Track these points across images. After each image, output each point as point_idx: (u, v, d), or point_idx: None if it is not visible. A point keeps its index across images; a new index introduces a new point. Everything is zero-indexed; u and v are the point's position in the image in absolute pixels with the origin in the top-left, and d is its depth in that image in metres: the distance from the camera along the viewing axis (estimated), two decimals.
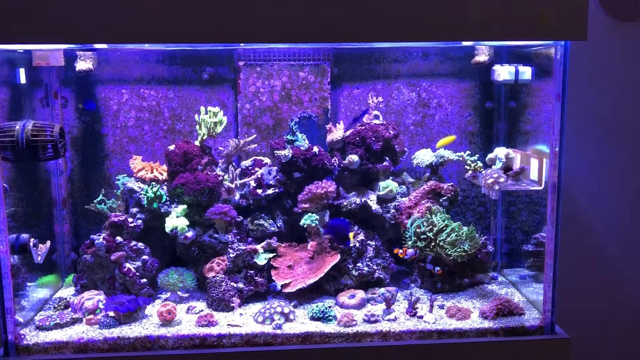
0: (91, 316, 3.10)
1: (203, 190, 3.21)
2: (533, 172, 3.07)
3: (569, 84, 2.68)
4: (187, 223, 3.17)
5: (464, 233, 3.13)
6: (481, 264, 3.43)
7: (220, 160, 3.59)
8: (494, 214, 3.96)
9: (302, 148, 3.36)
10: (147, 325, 2.91)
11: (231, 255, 3.18)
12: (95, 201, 3.34)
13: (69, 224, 3.79)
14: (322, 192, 3.20)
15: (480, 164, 3.29)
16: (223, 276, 3.13)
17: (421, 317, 2.99)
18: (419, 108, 3.65)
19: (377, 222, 3.42)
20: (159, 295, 3.43)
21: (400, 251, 3.15)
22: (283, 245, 3.33)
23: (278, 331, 2.80)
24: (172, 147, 3.34)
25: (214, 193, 3.23)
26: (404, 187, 3.52)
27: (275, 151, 3.29)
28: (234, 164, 3.47)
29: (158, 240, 3.30)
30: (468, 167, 3.47)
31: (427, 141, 3.85)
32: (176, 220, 3.19)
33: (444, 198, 3.43)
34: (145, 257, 3.26)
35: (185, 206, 3.20)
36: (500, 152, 3.29)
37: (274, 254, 3.23)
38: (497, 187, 3.28)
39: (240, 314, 3.02)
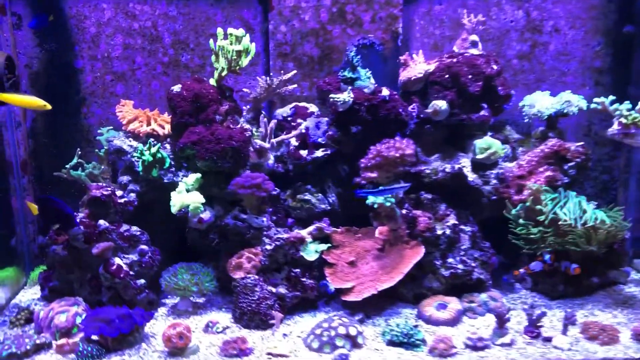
0: (64, 340, 2.31)
1: (225, 151, 2.58)
2: None
3: None
4: (202, 200, 2.57)
5: (610, 217, 2.54)
6: (617, 256, 2.76)
7: (245, 108, 2.95)
8: (624, 184, 3.16)
9: (365, 90, 2.75)
10: (149, 356, 2.26)
11: (267, 246, 2.59)
12: (68, 166, 2.80)
13: (32, 195, 3.06)
14: (396, 155, 2.57)
15: (637, 116, 2.59)
16: (256, 277, 2.53)
17: (548, 339, 2.37)
18: (526, 33, 3.10)
19: (471, 197, 2.83)
20: (163, 301, 2.71)
21: (522, 271, 2.65)
22: (339, 230, 2.75)
23: None
24: (177, 88, 2.68)
25: (240, 156, 2.61)
26: (507, 146, 2.90)
27: (327, 95, 2.68)
28: (264, 113, 2.91)
29: (160, 222, 2.71)
30: (624, 121, 2.48)
31: (535, 81, 3.15)
32: (186, 195, 2.56)
33: (570, 164, 2.76)
34: (142, 247, 2.63)
35: (198, 175, 2.61)
36: None
37: (328, 245, 2.65)
38: None
39: (285, 335, 2.43)
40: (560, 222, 2.55)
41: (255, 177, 2.62)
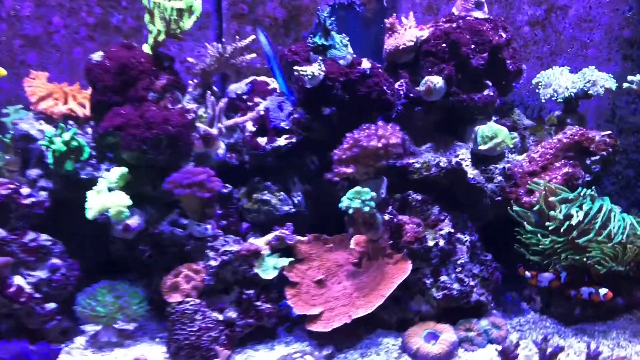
0: None
1: (158, 139, 2.20)
2: None
3: None
4: (128, 202, 2.18)
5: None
6: None
7: (191, 83, 2.50)
8: None
9: (341, 62, 2.35)
10: None
11: (212, 261, 2.18)
12: None
13: None
14: (378, 145, 2.20)
15: None
16: (197, 302, 2.14)
17: None
18: None
19: (471, 197, 2.46)
20: (82, 329, 2.29)
21: (528, 274, 2.32)
22: (306, 239, 2.38)
23: None
24: (97, 57, 2.35)
25: (178, 144, 2.24)
26: (515, 135, 2.59)
27: (292, 67, 2.27)
28: (215, 89, 2.50)
29: (80, 228, 2.33)
30: None
31: (550, 54, 2.88)
32: (107, 196, 2.16)
33: (594, 158, 2.42)
34: (54, 260, 2.21)
35: (124, 169, 2.24)
36: None
37: (290, 259, 2.32)
38: None
39: None
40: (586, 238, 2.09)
41: (197, 172, 2.18)
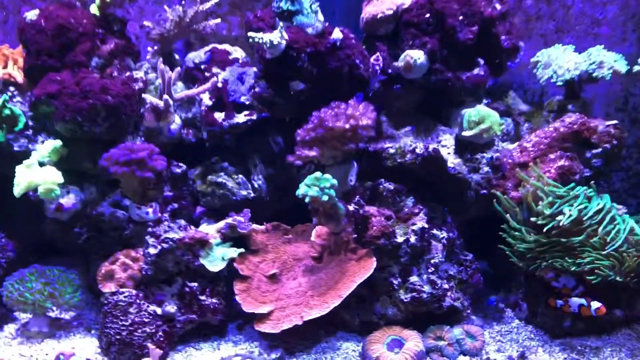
0: None
1: (95, 110, 2.02)
2: None
3: None
4: (60, 179, 1.98)
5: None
6: None
7: (150, 50, 2.32)
8: None
9: (309, 31, 2.11)
10: None
11: (151, 249, 1.96)
12: None
13: None
14: (346, 126, 1.98)
15: None
16: (133, 293, 1.95)
17: None
18: None
19: (452, 189, 2.22)
20: (16, 316, 2.12)
21: (560, 302, 2.02)
22: (263, 228, 2.17)
23: None
24: (31, 15, 2.16)
25: (119, 117, 2.04)
26: (509, 121, 2.38)
27: (251, 35, 2.00)
28: (177, 57, 2.35)
29: (12, 207, 2.13)
30: None
31: (556, 31, 2.58)
32: (36, 172, 1.97)
33: (595, 151, 2.17)
34: None
35: (58, 142, 2.05)
36: None
37: (240, 249, 2.09)
38: None
39: None
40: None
41: (137, 149, 1.97)
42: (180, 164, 2.15)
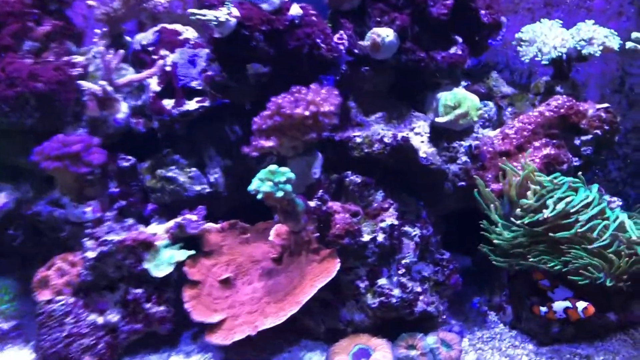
0: None
1: (22, 98, 1.84)
2: None
3: None
4: None
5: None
6: None
7: (97, 32, 2.10)
8: None
9: (264, 7, 1.91)
10: None
11: (90, 252, 1.79)
12: None
13: None
14: (305, 113, 1.81)
15: None
16: (71, 301, 1.78)
17: None
18: None
19: (427, 181, 2.03)
20: None
21: (544, 310, 1.84)
22: (218, 227, 1.99)
23: None
24: None
25: (52, 106, 1.88)
26: (490, 105, 2.19)
27: (193, 12, 1.82)
28: (129, 39, 2.17)
29: None
30: None
31: (544, 5, 2.44)
32: None
33: (585, 138, 2.00)
34: None
35: None
36: None
37: (190, 252, 1.91)
38: None
39: None
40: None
41: (71, 142, 1.81)
42: (129, 157, 1.97)
